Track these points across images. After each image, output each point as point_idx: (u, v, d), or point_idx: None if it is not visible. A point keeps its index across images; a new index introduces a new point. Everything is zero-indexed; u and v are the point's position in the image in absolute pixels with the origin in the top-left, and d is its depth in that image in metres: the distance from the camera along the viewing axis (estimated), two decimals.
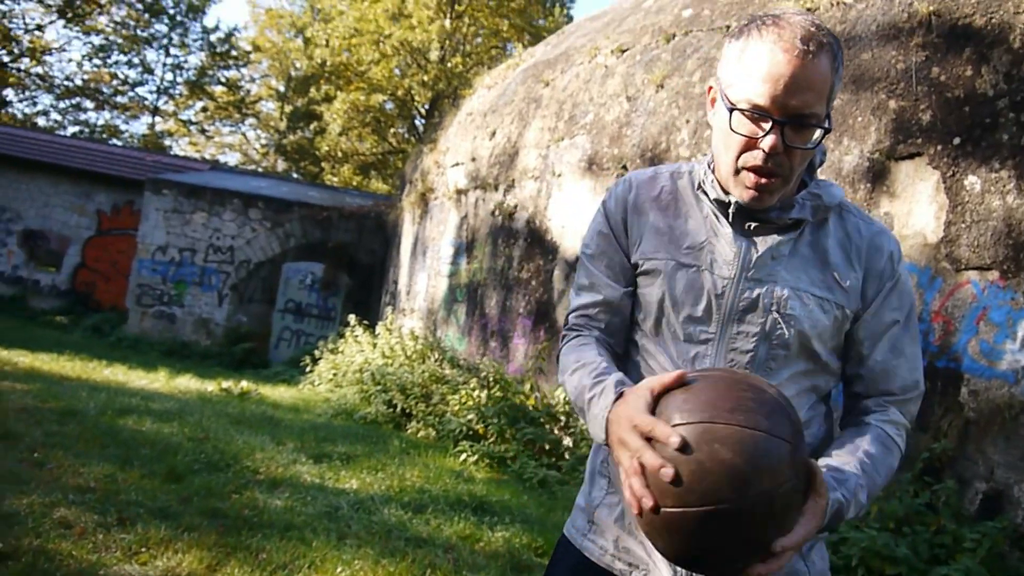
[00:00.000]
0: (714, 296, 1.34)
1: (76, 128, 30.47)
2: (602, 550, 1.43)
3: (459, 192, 9.89)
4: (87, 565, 3.27)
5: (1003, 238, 4.20)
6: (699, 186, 1.40)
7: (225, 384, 9.18)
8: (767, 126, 1.24)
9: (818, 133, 1.27)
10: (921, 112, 4.70)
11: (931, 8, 4.76)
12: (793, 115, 1.23)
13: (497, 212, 8.72)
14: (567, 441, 6.43)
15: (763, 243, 1.34)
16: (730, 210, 1.34)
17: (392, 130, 25.44)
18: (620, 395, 1.24)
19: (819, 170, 1.43)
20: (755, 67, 1.23)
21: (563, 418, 6.48)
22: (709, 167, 1.39)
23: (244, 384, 9.32)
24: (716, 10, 6.54)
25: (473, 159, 9.62)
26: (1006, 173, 4.26)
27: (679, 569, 1.32)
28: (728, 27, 6.26)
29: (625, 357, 1.49)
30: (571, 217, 7.38)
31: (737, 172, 1.30)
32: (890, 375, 1.41)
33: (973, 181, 4.39)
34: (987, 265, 4.25)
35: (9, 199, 15.76)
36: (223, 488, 4.66)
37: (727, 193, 1.35)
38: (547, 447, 6.24)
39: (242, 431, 6.35)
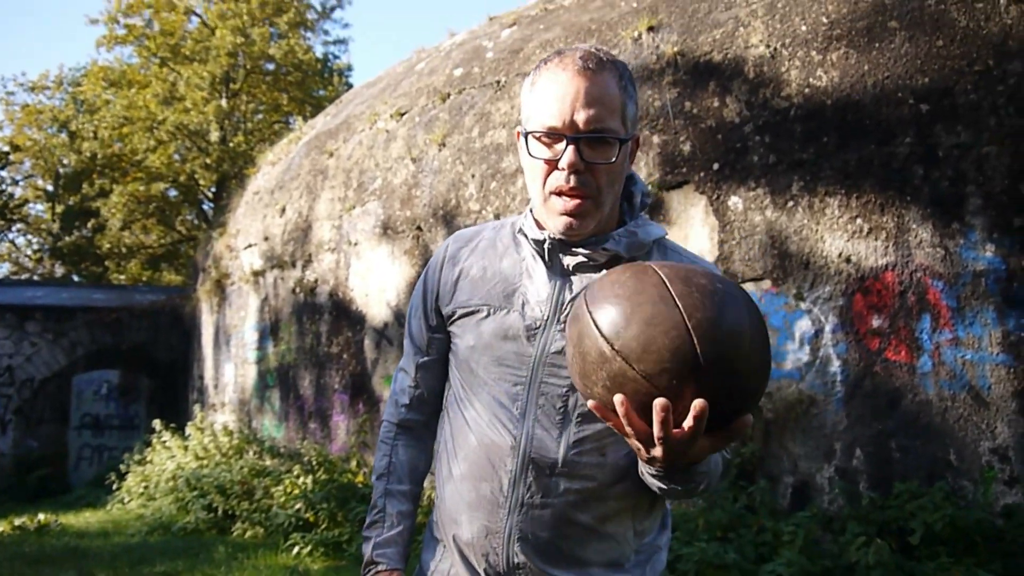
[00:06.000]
0: (525, 339, 1.29)
1: None
2: None
3: (256, 274, 9.53)
4: None
5: (768, 249, 4.57)
6: (520, 229, 1.36)
7: (18, 521, 8.20)
8: (562, 146, 1.24)
9: (618, 148, 1.25)
10: (682, 143, 5.05)
11: (675, 49, 5.16)
12: (585, 130, 1.23)
13: (298, 289, 8.48)
14: None
15: (580, 283, 1.28)
16: (545, 246, 1.30)
17: (180, 218, 24.20)
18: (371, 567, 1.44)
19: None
20: (543, 94, 1.25)
21: None
22: (530, 211, 1.37)
23: (41, 517, 8.35)
24: (485, 67, 6.77)
25: (266, 238, 9.32)
26: (761, 190, 4.65)
27: None
28: (498, 82, 6.49)
29: (443, 411, 1.46)
30: (373, 284, 7.29)
31: (547, 200, 1.27)
32: None
33: (736, 201, 4.75)
34: (760, 276, 4.60)
35: None
36: None
37: (543, 230, 1.31)
38: None
39: (42, 571, 5.69)
